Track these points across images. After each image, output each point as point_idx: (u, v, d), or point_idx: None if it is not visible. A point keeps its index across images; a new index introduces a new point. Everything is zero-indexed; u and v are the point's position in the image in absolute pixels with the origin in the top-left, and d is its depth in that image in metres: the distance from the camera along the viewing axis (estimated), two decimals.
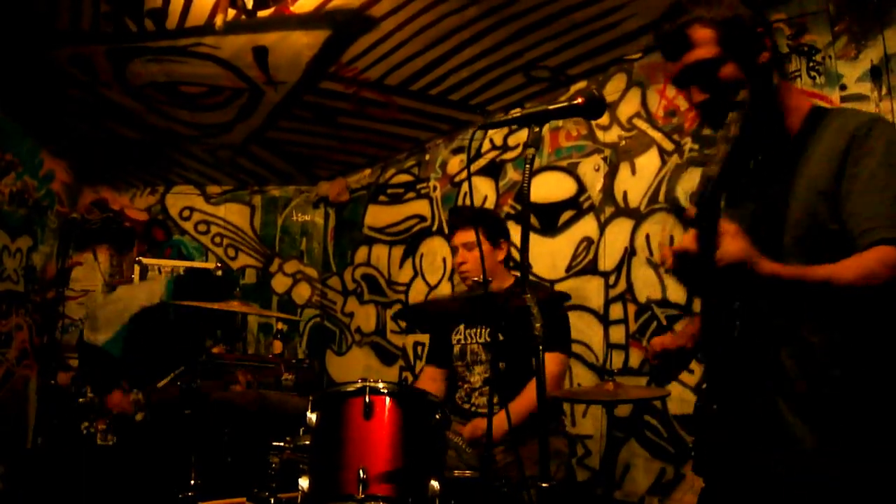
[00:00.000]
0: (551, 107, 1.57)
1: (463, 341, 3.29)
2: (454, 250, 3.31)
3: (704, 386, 1.58)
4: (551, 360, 2.99)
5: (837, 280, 1.45)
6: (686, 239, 1.43)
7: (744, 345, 1.59)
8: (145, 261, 5.65)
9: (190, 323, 4.26)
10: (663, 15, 1.66)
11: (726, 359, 1.61)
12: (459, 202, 5.11)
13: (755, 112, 1.55)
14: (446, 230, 5.17)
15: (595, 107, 1.61)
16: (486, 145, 4.87)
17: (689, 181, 3.64)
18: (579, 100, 1.59)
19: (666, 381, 2.09)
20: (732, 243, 1.40)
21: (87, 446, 3.93)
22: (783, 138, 1.67)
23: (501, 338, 2.96)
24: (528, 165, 1.51)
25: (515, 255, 3.35)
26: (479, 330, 3.25)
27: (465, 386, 3.27)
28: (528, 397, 2.94)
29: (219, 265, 5.85)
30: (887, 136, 1.54)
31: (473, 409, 3.19)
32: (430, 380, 3.42)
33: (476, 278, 3.11)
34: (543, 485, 1.57)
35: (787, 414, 1.55)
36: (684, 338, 1.88)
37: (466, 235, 3.21)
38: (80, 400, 4.01)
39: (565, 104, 1.59)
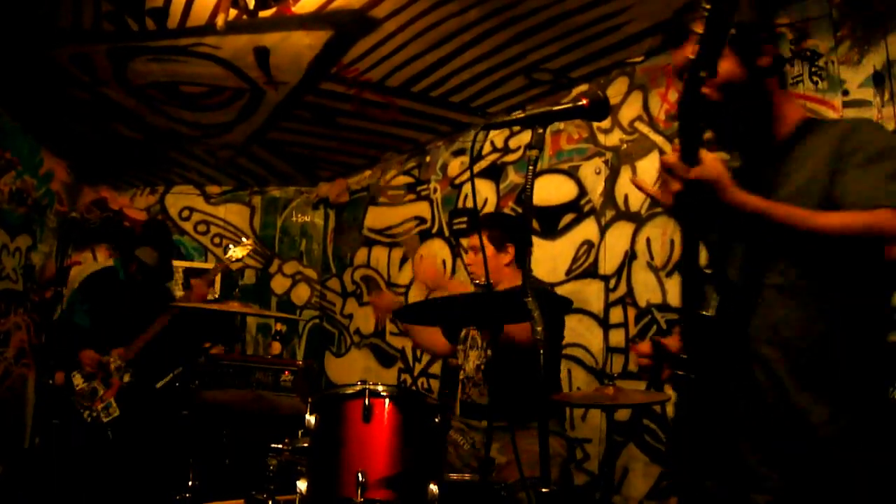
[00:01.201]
0: (556, 108, 1.56)
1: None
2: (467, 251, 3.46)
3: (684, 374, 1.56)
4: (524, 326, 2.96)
5: (812, 222, 1.46)
6: (670, 157, 1.50)
7: (720, 327, 1.55)
8: None
9: (143, 284, 4.30)
10: (677, 11, 1.74)
11: (703, 343, 1.55)
12: (460, 204, 5.11)
13: (745, 112, 1.65)
14: (446, 232, 5.17)
15: (599, 108, 1.60)
16: (487, 147, 4.86)
17: None
18: (584, 101, 1.58)
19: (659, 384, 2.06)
20: (710, 164, 1.46)
21: (99, 430, 3.96)
22: (769, 145, 1.70)
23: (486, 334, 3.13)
24: (531, 167, 1.50)
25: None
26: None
27: (462, 375, 3.35)
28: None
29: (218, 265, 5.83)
30: (871, 133, 1.59)
31: (468, 399, 3.24)
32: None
33: (478, 280, 3.30)
34: (543, 490, 1.56)
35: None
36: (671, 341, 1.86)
37: (472, 239, 3.40)
38: (72, 398, 4.05)
39: (570, 105, 1.58)
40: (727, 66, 1.62)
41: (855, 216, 1.47)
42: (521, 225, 3.47)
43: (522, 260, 3.28)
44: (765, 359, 1.58)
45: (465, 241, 3.48)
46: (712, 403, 1.55)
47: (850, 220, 1.46)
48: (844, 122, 1.67)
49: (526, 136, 4.59)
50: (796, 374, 1.55)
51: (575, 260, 4.19)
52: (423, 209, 5.43)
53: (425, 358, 5.20)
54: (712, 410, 1.57)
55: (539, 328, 1.57)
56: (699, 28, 1.61)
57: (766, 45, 1.67)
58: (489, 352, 3.22)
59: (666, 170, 1.50)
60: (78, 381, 4.08)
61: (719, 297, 1.52)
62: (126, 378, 4.08)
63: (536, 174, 1.51)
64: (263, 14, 3.66)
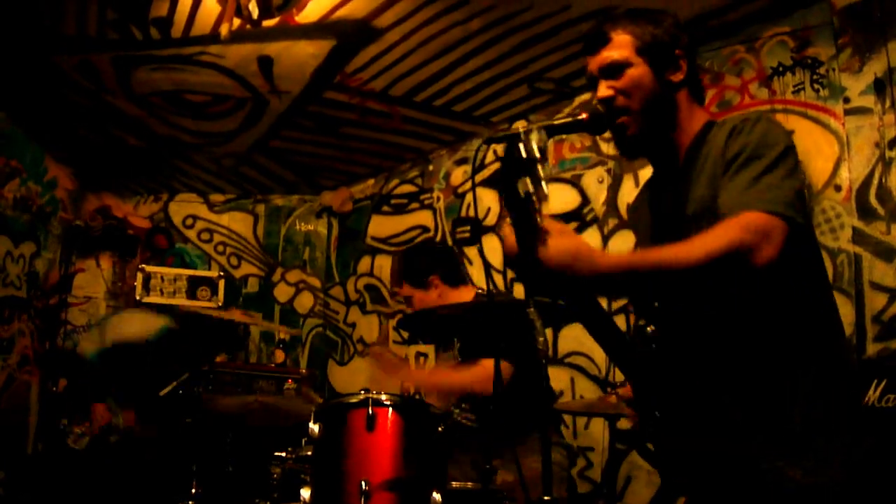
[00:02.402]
0: (556, 122, 1.57)
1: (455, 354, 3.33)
2: None
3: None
4: (489, 364, 2.94)
5: (678, 259, 1.33)
6: (507, 236, 1.35)
7: (663, 363, 1.57)
8: (148, 269, 5.64)
9: (165, 361, 4.30)
10: (595, 17, 1.73)
11: (651, 380, 1.57)
12: (462, 213, 5.11)
13: (650, 121, 1.63)
14: (449, 241, 5.17)
15: (599, 122, 1.62)
16: (490, 157, 4.87)
17: None
18: (583, 115, 1.59)
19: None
20: (559, 242, 1.28)
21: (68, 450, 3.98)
22: (673, 157, 1.69)
23: (458, 344, 3.12)
24: None
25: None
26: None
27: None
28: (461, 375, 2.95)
29: (221, 274, 5.84)
30: (760, 130, 1.53)
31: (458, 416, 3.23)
32: None
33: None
34: (546, 498, 1.56)
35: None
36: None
37: (401, 291, 3.37)
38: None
39: (569, 119, 1.59)
40: (637, 71, 1.63)
41: (711, 235, 1.35)
42: (430, 248, 3.45)
43: (454, 276, 3.27)
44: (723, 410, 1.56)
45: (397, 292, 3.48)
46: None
47: (710, 241, 1.34)
48: (731, 121, 1.59)
49: None
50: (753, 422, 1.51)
51: None
52: (426, 218, 5.44)
53: (428, 367, 5.20)
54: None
55: (541, 338, 1.58)
56: (619, 37, 1.64)
57: (682, 62, 1.67)
58: None
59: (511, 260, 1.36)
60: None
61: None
62: (112, 439, 4.09)
63: None
64: (267, 23, 3.68)
